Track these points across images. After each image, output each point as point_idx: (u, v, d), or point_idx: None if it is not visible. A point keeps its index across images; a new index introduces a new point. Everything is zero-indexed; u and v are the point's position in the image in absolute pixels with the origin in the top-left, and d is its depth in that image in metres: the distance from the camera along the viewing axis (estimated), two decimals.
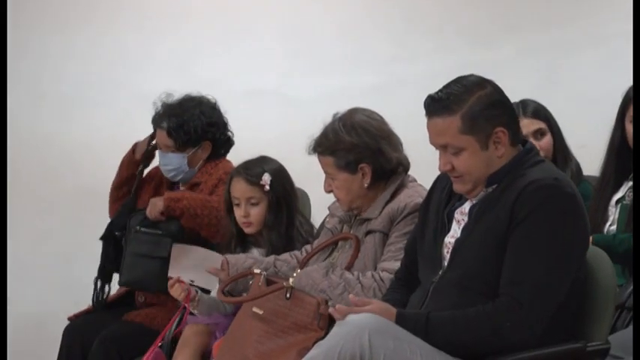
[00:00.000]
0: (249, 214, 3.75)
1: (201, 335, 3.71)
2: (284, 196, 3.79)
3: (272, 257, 3.63)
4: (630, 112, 3.62)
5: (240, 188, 3.77)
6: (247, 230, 3.79)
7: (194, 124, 4.11)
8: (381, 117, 3.49)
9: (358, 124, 3.41)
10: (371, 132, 3.41)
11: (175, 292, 3.66)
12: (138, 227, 4.03)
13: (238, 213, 3.77)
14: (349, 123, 3.41)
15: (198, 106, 4.15)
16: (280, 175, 3.80)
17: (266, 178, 3.75)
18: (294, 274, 3.28)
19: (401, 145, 3.48)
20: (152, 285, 4.03)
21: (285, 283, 3.16)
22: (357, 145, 3.38)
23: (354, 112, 3.47)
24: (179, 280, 3.65)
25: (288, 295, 3.12)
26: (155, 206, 3.99)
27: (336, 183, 3.43)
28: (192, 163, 4.17)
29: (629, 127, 3.63)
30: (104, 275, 4.19)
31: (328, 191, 3.48)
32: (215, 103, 4.21)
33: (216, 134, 4.17)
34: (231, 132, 4.24)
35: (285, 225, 3.77)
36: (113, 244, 4.16)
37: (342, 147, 3.39)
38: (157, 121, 4.17)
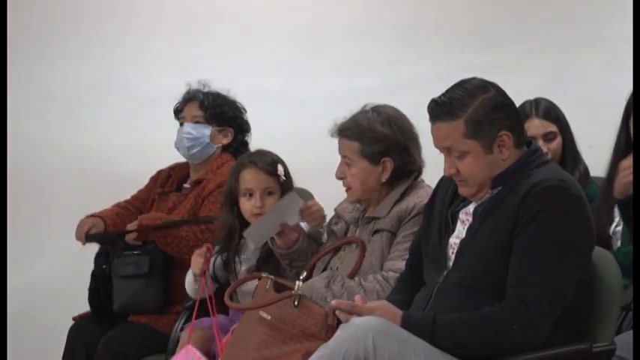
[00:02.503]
0: (265, 205, 3.68)
1: (202, 339, 3.70)
2: (292, 186, 3.78)
3: None
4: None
5: (255, 178, 3.71)
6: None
7: (229, 105, 4.22)
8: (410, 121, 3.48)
9: (392, 118, 3.41)
10: (403, 129, 3.41)
11: (196, 264, 3.68)
12: (119, 252, 4.08)
13: (250, 204, 3.70)
14: (384, 114, 3.40)
15: (235, 102, 4.26)
16: (285, 165, 3.78)
17: (281, 168, 3.73)
18: (297, 285, 3.25)
19: (421, 151, 3.47)
20: (142, 303, 4.03)
21: (293, 291, 3.13)
22: (388, 137, 3.37)
23: (388, 106, 3.46)
24: (207, 248, 3.67)
25: (296, 303, 3.08)
26: (129, 235, 4.05)
27: (352, 170, 3.40)
28: (213, 141, 4.20)
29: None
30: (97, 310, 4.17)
31: (340, 178, 3.45)
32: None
33: (242, 127, 4.23)
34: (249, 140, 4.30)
35: None
36: (102, 282, 4.15)
37: (371, 135, 3.37)
38: (191, 94, 4.25)
